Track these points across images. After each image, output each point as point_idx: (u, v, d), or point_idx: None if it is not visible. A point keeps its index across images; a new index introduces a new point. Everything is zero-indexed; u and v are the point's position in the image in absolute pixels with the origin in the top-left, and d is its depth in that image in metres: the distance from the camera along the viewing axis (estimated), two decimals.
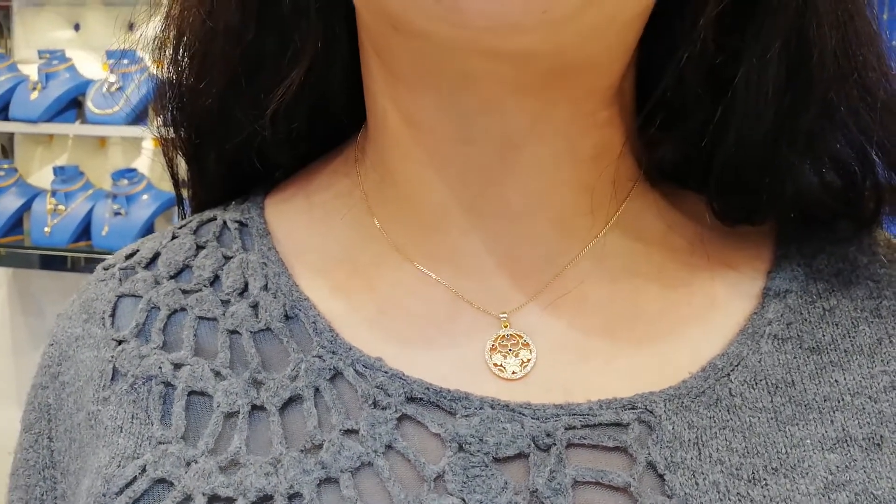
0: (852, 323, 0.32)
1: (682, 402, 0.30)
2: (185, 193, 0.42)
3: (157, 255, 0.37)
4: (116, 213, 1.72)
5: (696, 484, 0.28)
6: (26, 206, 1.82)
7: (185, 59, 0.36)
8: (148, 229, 1.73)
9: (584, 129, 0.32)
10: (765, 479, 0.29)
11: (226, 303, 0.34)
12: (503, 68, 0.29)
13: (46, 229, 1.76)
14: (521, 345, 0.32)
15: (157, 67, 0.38)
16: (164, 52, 0.37)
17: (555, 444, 0.29)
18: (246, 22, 0.34)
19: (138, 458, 0.31)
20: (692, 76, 0.31)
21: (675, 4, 0.30)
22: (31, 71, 1.80)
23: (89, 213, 1.76)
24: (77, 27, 1.92)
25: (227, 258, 0.36)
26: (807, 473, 0.29)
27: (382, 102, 0.33)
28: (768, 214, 0.33)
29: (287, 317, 0.33)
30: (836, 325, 0.32)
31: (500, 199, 0.32)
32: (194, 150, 0.38)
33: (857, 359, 0.31)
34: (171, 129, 0.38)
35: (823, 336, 0.32)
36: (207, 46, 0.35)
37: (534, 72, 0.29)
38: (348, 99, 0.36)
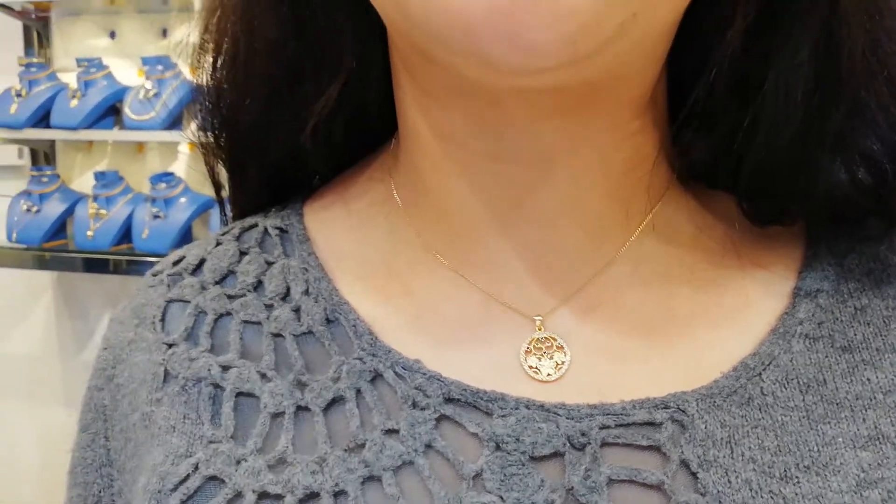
0: (884, 322, 0.32)
1: (715, 402, 0.30)
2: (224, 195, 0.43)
3: (202, 262, 0.38)
4: (156, 216, 1.75)
5: (729, 482, 0.29)
6: (69, 212, 1.85)
7: (226, 75, 0.37)
8: (186, 231, 1.76)
9: (618, 140, 0.32)
10: (797, 477, 0.29)
11: (269, 307, 0.35)
12: (534, 96, 0.29)
13: (89, 233, 1.79)
14: (555, 347, 0.32)
15: (194, 75, 0.38)
16: (204, 67, 0.38)
17: (590, 443, 0.29)
18: (285, 39, 0.35)
19: (191, 456, 0.32)
20: (722, 83, 0.31)
21: (703, 13, 0.30)
22: (70, 79, 1.84)
23: (129, 216, 1.79)
24: (113, 35, 1.96)
25: (270, 264, 0.37)
26: (839, 471, 0.29)
27: (413, 117, 0.33)
28: (799, 214, 0.33)
29: (328, 320, 0.34)
30: (868, 323, 0.32)
31: (533, 208, 0.32)
32: (236, 160, 0.39)
33: (889, 357, 0.31)
34: (212, 140, 0.39)
35: (855, 335, 0.32)
36: (249, 63, 0.35)
37: (565, 97, 0.29)
38: (383, 108, 0.37)
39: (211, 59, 0.37)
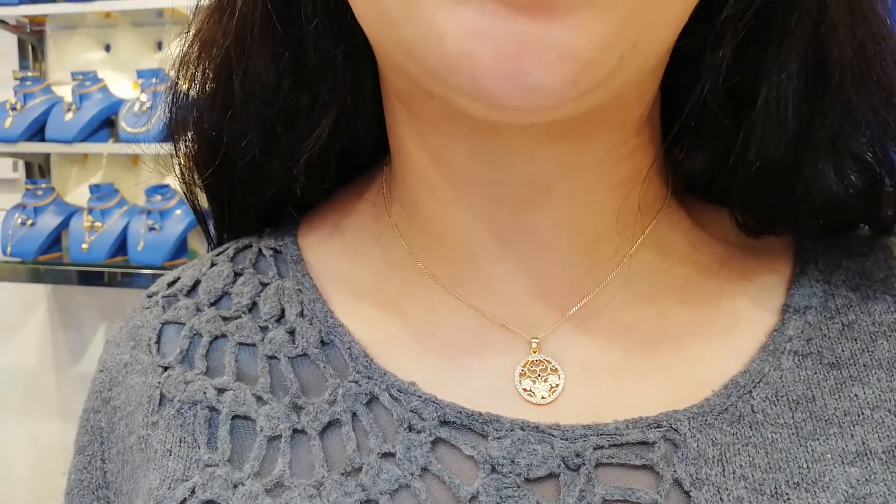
0: (871, 338, 0.33)
1: (706, 420, 0.30)
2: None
3: (197, 283, 0.38)
4: (151, 229, 1.75)
5: (721, 500, 0.29)
6: (64, 224, 1.85)
7: (218, 118, 0.36)
8: (181, 243, 1.76)
9: (616, 161, 0.32)
10: (787, 494, 0.29)
11: (264, 329, 0.35)
12: (535, 127, 0.29)
13: (84, 246, 1.79)
14: (549, 370, 0.32)
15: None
16: (198, 115, 0.37)
17: (584, 464, 0.29)
18: (280, 80, 0.34)
19: (187, 480, 0.32)
20: (714, 95, 0.31)
21: (694, 28, 0.30)
22: (64, 93, 1.84)
23: (125, 229, 1.79)
24: (108, 48, 1.96)
25: (264, 285, 0.37)
26: (828, 487, 0.29)
27: (408, 145, 0.34)
28: (792, 222, 0.34)
29: (323, 342, 0.34)
30: (855, 339, 0.32)
31: (530, 230, 0.33)
32: (224, 197, 0.39)
33: (876, 373, 0.32)
34: (198, 176, 0.39)
35: (843, 351, 0.32)
36: (245, 107, 0.35)
37: (564, 126, 0.29)
38: (374, 132, 0.37)
39: (208, 109, 0.37)
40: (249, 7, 0.34)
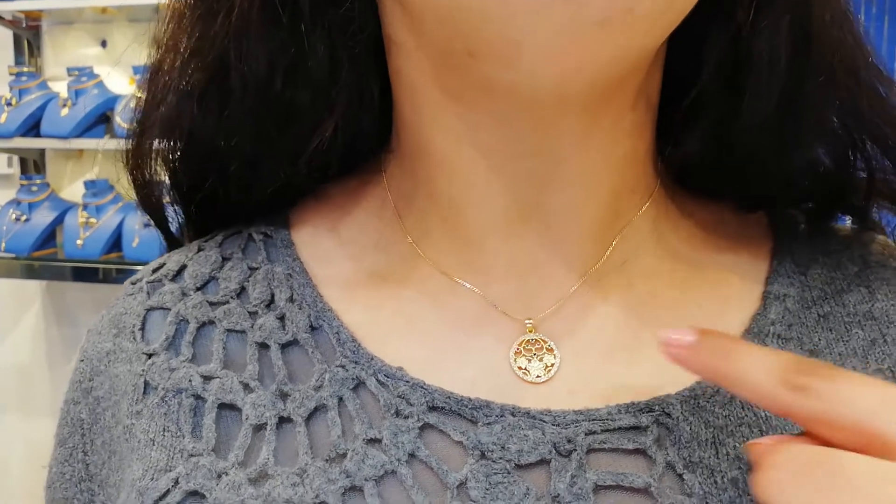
0: (845, 328, 0.33)
1: (698, 403, 0.31)
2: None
3: (183, 268, 0.38)
4: (146, 225, 1.74)
5: (715, 482, 0.29)
6: (59, 220, 1.84)
7: (214, 118, 0.35)
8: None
9: (617, 137, 0.32)
10: None
11: (253, 314, 0.35)
12: (573, 90, 0.29)
13: (79, 242, 1.78)
14: (545, 349, 0.32)
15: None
16: (190, 114, 0.36)
17: (576, 450, 0.29)
18: (277, 77, 0.33)
19: (171, 470, 0.32)
20: (711, 71, 0.32)
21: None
22: (60, 88, 1.84)
23: (120, 225, 1.79)
24: (104, 44, 1.96)
25: (253, 269, 0.36)
26: None
27: (429, 133, 0.33)
28: (778, 195, 0.35)
29: (312, 328, 0.34)
30: (831, 330, 0.33)
31: (541, 208, 0.32)
32: (211, 208, 0.38)
33: (851, 361, 0.32)
34: (177, 179, 0.38)
35: (819, 340, 0.33)
36: (242, 105, 0.34)
37: (599, 89, 0.29)
38: (377, 128, 0.36)
39: (196, 104, 0.35)
40: (248, 3, 0.32)
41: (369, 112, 0.35)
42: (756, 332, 0.33)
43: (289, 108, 0.34)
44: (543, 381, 0.31)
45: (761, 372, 0.25)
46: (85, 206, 1.80)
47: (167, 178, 0.39)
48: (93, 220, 1.79)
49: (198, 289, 0.36)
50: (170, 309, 0.36)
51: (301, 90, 0.34)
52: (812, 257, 0.36)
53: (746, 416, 0.30)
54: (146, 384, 0.34)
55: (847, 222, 0.38)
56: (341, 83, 0.33)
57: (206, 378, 0.33)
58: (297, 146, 0.35)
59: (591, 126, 0.31)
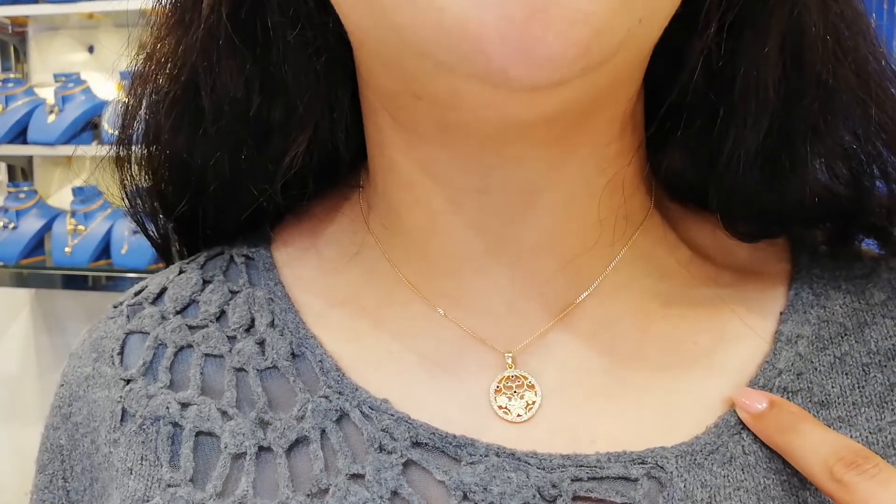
0: (863, 370, 0.31)
1: (695, 459, 0.29)
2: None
3: (164, 291, 0.37)
4: (135, 232, 1.73)
5: None
6: (47, 228, 1.83)
7: (188, 137, 0.35)
8: None
9: (599, 166, 0.31)
10: None
11: (232, 339, 0.34)
12: (532, 128, 0.28)
13: (67, 249, 1.77)
14: (526, 386, 0.31)
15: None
16: (165, 135, 0.35)
17: (560, 496, 0.28)
18: (251, 95, 0.33)
19: (148, 500, 0.31)
20: (693, 86, 0.31)
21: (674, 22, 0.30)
22: (47, 94, 1.82)
23: (108, 232, 1.77)
24: (91, 49, 1.94)
25: (234, 293, 0.36)
26: None
27: (393, 155, 0.32)
28: (780, 223, 0.33)
29: (294, 355, 0.33)
30: (847, 374, 0.31)
31: (515, 240, 0.31)
32: (195, 219, 0.38)
33: (865, 412, 0.31)
34: (162, 202, 0.37)
35: (833, 388, 0.31)
36: (216, 124, 0.34)
37: (561, 124, 0.28)
38: (352, 146, 0.36)
39: (172, 128, 0.35)
40: (214, 18, 0.32)
41: (342, 125, 0.35)
42: (762, 384, 0.31)
43: (259, 123, 0.34)
44: (525, 421, 0.31)
45: (814, 456, 0.27)
46: (73, 214, 1.78)
47: (149, 187, 0.38)
48: (81, 227, 1.77)
49: (177, 312, 0.36)
50: (149, 333, 0.35)
51: (273, 107, 0.33)
52: (834, 284, 0.33)
53: (745, 480, 0.29)
54: (124, 411, 0.33)
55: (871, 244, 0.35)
56: (309, 98, 0.33)
57: (184, 405, 0.33)
58: (271, 165, 0.34)
59: (563, 158, 0.30)
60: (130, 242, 1.73)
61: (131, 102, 0.36)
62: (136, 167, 0.37)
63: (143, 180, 0.38)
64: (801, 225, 0.34)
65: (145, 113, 0.36)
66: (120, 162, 0.37)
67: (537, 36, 0.23)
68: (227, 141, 0.34)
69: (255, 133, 0.34)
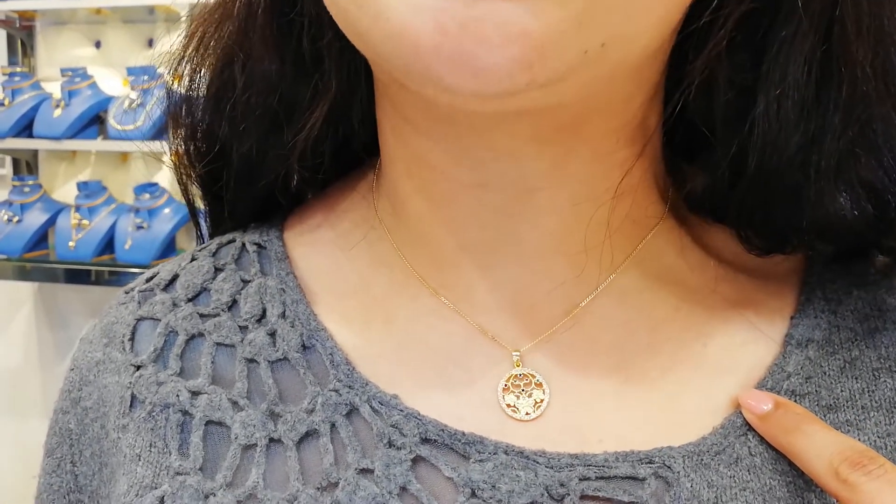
0: (873, 375, 0.31)
1: (702, 460, 0.29)
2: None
3: (175, 278, 0.37)
4: (139, 227, 1.73)
5: None
6: (51, 222, 1.83)
7: (218, 108, 0.35)
8: (170, 242, 1.74)
9: (605, 169, 0.31)
10: None
11: (244, 329, 0.34)
12: (514, 123, 0.28)
13: (71, 244, 1.77)
14: (534, 385, 0.31)
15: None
16: (194, 102, 0.36)
17: (568, 495, 0.28)
18: (283, 67, 0.33)
19: (156, 488, 0.31)
20: (720, 107, 0.30)
21: (696, 31, 0.29)
22: (53, 89, 1.82)
23: (112, 227, 1.77)
24: (98, 45, 1.94)
25: (245, 282, 0.36)
26: None
27: (394, 144, 0.33)
28: (797, 242, 0.32)
29: (304, 347, 0.33)
30: (857, 378, 0.31)
31: (514, 237, 0.31)
32: (218, 189, 0.38)
33: (874, 416, 0.31)
34: (195, 170, 0.38)
35: (842, 391, 0.31)
36: (246, 95, 0.34)
37: (542, 124, 0.28)
38: (368, 130, 0.36)
39: (209, 98, 0.36)
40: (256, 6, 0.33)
41: (359, 109, 0.35)
42: (770, 386, 0.31)
43: (293, 97, 0.34)
44: (533, 419, 0.31)
45: (818, 456, 0.27)
46: (77, 208, 1.78)
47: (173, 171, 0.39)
48: (85, 221, 1.78)
49: (189, 300, 0.36)
50: (160, 320, 0.35)
51: (302, 80, 0.34)
52: (846, 289, 0.33)
53: (751, 481, 0.29)
54: (133, 397, 0.34)
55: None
56: (329, 72, 0.34)
57: (194, 393, 0.33)
58: (294, 136, 0.35)
59: (563, 158, 0.30)
60: (134, 238, 1.73)
61: (172, 78, 0.37)
62: (172, 133, 0.38)
63: (178, 146, 0.38)
64: (817, 243, 0.33)
65: (186, 88, 0.37)
66: (175, 123, 0.38)
67: (468, 49, 0.23)
68: (255, 112, 0.34)
69: (283, 105, 0.34)
